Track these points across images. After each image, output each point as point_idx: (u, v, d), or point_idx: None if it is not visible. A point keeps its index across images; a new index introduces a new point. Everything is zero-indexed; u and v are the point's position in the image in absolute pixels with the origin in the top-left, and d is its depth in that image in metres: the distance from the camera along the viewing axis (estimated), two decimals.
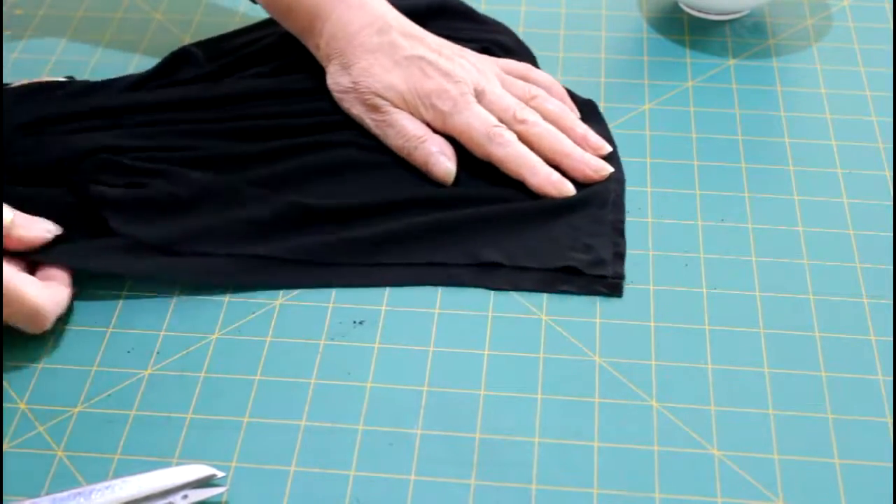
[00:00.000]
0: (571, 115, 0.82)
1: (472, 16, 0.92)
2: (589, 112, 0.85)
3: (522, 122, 0.79)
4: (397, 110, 0.80)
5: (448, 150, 0.79)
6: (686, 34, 0.92)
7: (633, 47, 0.91)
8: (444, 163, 0.78)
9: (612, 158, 0.80)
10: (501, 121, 0.79)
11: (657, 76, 0.88)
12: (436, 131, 0.80)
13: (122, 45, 0.91)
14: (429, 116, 0.79)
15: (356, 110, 0.81)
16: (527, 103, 0.81)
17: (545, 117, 0.81)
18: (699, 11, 0.93)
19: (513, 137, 0.78)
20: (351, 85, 0.81)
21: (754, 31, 0.92)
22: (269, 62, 0.88)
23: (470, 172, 0.80)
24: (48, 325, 0.69)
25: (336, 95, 0.82)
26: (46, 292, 0.69)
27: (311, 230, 0.75)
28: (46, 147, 0.78)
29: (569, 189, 0.77)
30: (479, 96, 0.80)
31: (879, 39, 0.92)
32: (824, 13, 0.94)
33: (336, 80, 0.82)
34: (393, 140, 0.80)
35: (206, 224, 0.75)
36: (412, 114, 0.80)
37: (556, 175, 0.77)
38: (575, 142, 0.80)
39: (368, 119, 0.81)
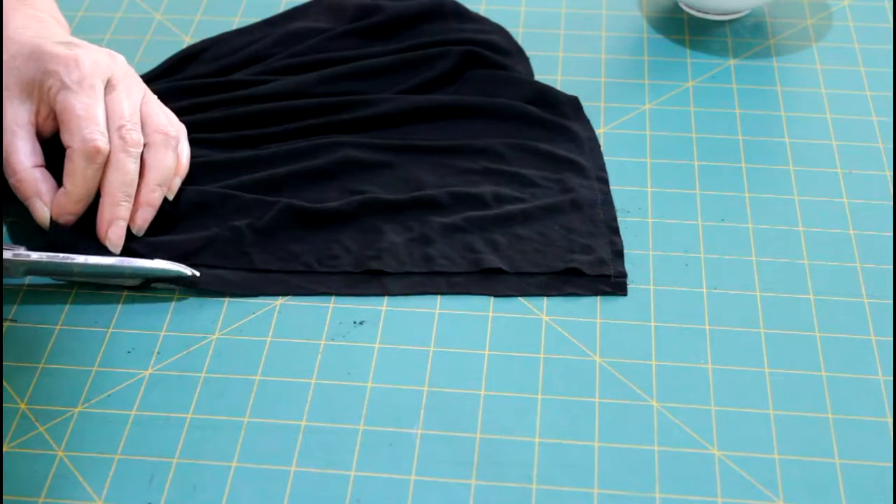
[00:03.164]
0: (152, 183, 0.75)
1: (465, 16, 0.92)
2: (572, 110, 0.85)
3: (122, 139, 0.73)
4: (7, 119, 0.73)
5: (44, 189, 0.73)
6: (686, 34, 0.92)
7: (633, 47, 0.91)
8: (39, 207, 0.74)
9: (580, 168, 0.80)
10: (108, 120, 0.73)
11: (657, 76, 0.88)
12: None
13: (122, 45, 0.90)
14: (46, 90, 0.73)
15: None
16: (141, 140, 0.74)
17: (143, 162, 0.74)
18: (699, 11, 0.93)
19: (100, 159, 0.72)
20: None
21: (754, 31, 0.92)
22: (268, 63, 0.88)
23: (459, 170, 0.80)
24: None
25: None
26: None
27: (308, 235, 0.75)
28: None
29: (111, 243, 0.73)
30: (108, 89, 0.74)
31: (879, 39, 0.92)
32: (824, 13, 0.94)
33: None
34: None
35: (205, 235, 0.75)
36: (25, 103, 0.74)
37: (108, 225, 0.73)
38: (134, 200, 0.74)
39: None
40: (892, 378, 0.68)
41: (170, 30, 0.93)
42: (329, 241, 0.75)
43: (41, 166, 0.74)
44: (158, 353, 0.70)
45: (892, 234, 0.76)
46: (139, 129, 0.74)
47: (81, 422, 0.66)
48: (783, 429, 0.65)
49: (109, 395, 0.67)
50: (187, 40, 0.92)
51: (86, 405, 0.67)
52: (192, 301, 0.72)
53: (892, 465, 0.64)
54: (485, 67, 0.87)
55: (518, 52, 0.90)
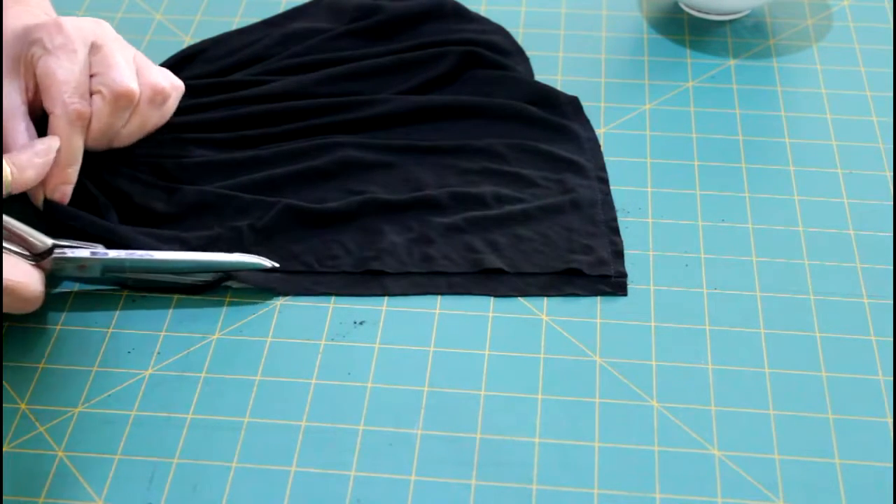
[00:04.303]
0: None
1: (465, 16, 0.92)
2: (572, 110, 0.85)
3: (111, 89, 0.73)
4: (3, 99, 0.73)
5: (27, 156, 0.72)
6: (686, 34, 0.92)
7: (633, 47, 0.91)
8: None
9: (580, 168, 0.80)
10: (95, 76, 0.73)
11: (657, 76, 0.88)
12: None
13: None
14: (30, 59, 0.73)
15: None
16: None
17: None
18: (699, 11, 0.93)
19: (83, 124, 0.72)
20: None
21: (754, 31, 0.92)
22: (268, 63, 0.88)
23: (459, 170, 0.80)
24: (40, 300, 0.69)
25: None
26: (26, 271, 0.68)
27: (308, 235, 0.75)
28: None
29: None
30: (94, 50, 0.74)
31: (879, 39, 0.92)
32: (824, 13, 0.94)
33: None
34: None
35: (206, 235, 0.75)
36: (17, 80, 0.73)
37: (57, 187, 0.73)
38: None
39: None
40: (892, 378, 0.68)
41: (170, 30, 0.93)
42: (329, 241, 0.75)
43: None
44: (158, 353, 0.70)
45: (892, 234, 0.76)
46: (136, 81, 0.74)
47: (81, 422, 0.66)
48: (783, 429, 0.65)
49: (109, 395, 0.67)
50: (187, 40, 0.92)
51: (86, 405, 0.67)
52: (192, 301, 0.72)
53: (892, 465, 0.64)
54: (485, 67, 0.87)
55: (518, 52, 0.90)
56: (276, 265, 0.73)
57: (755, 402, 0.67)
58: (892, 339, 0.70)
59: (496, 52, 0.89)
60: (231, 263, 0.72)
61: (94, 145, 0.74)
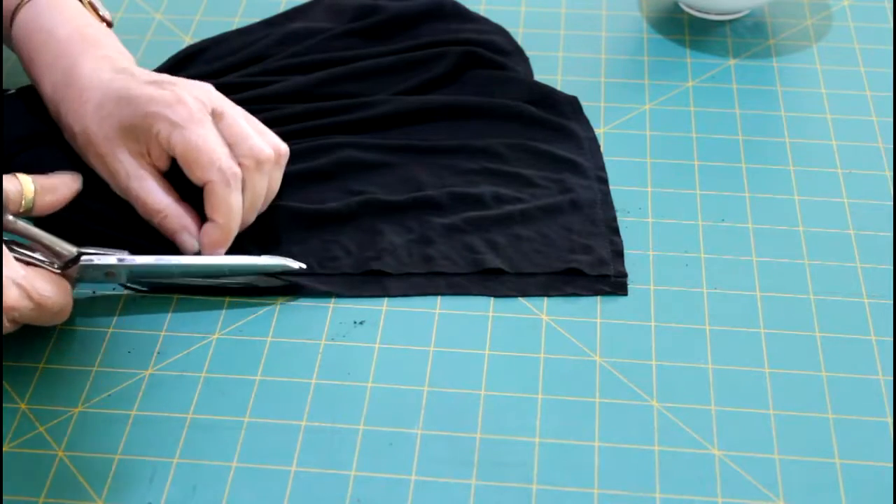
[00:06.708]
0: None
1: (465, 16, 0.92)
2: (572, 110, 0.85)
3: (255, 158, 0.73)
4: (124, 168, 0.73)
5: (190, 222, 0.73)
6: (686, 34, 0.92)
7: (633, 47, 0.91)
8: (188, 241, 0.73)
9: (580, 168, 0.80)
10: (230, 146, 0.73)
11: (657, 76, 0.88)
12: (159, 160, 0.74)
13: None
14: (153, 134, 0.72)
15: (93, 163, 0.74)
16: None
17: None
18: (699, 11, 0.93)
19: (239, 183, 0.72)
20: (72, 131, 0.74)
21: (754, 31, 0.92)
22: (267, 63, 0.88)
23: (458, 170, 0.80)
24: (69, 311, 0.69)
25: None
26: (55, 284, 0.68)
27: (308, 236, 0.75)
28: (42, 163, 0.77)
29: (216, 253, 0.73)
30: (217, 118, 0.73)
31: (879, 39, 0.92)
32: (824, 13, 0.94)
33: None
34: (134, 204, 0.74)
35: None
36: (133, 147, 0.73)
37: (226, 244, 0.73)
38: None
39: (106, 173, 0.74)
40: (892, 378, 0.68)
41: (170, 30, 0.93)
42: (329, 242, 0.75)
43: (180, 200, 0.74)
44: (158, 353, 0.70)
45: (891, 234, 0.76)
46: (268, 146, 0.74)
47: (81, 422, 0.66)
48: (783, 429, 0.65)
49: (109, 395, 0.67)
50: (187, 40, 0.92)
51: (86, 405, 0.67)
52: (192, 301, 0.72)
53: (892, 465, 0.64)
54: (484, 68, 0.87)
55: (518, 52, 0.90)
56: (303, 266, 0.72)
57: (755, 402, 0.67)
58: (892, 339, 0.70)
59: (496, 52, 0.89)
60: (258, 266, 0.72)
61: (248, 219, 0.74)
